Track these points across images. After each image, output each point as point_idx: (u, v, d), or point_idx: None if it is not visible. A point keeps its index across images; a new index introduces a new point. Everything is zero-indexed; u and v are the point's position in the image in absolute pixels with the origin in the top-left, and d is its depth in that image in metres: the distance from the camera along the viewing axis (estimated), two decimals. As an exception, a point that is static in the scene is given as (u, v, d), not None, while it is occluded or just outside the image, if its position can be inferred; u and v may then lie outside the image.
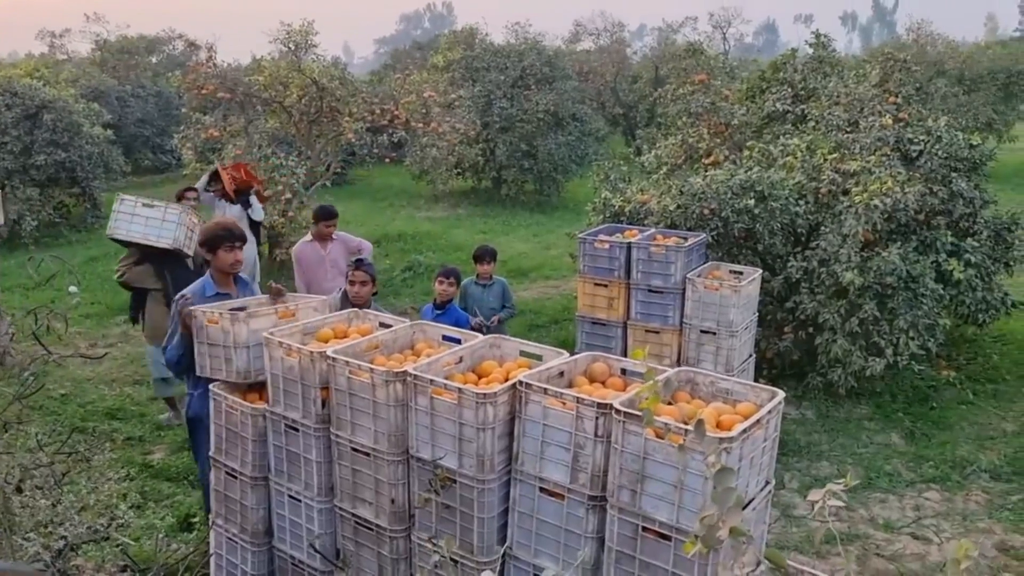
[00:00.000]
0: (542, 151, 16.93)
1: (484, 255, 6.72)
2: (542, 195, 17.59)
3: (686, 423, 2.78)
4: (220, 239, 4.47)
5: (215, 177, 8.41)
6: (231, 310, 4.08)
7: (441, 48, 20.53)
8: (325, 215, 6.67)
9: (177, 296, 4.47)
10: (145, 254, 6.45)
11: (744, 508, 2.91)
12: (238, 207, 8.37)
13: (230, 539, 4.13)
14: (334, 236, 6.72)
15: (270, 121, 12.07)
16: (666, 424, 2.76)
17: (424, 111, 12.22)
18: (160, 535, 3.54)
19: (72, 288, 10.43)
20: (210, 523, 4.23)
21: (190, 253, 6.46)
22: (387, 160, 13.54)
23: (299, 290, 6.32)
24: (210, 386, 4.06)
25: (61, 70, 21.69)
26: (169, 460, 6.02)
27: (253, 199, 8.57)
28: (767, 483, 3.08)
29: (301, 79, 11.36)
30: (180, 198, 7.67)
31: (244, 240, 4.65)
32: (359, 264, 5.10)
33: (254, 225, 8.60)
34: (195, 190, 8.04)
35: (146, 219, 6.36)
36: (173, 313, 4.47)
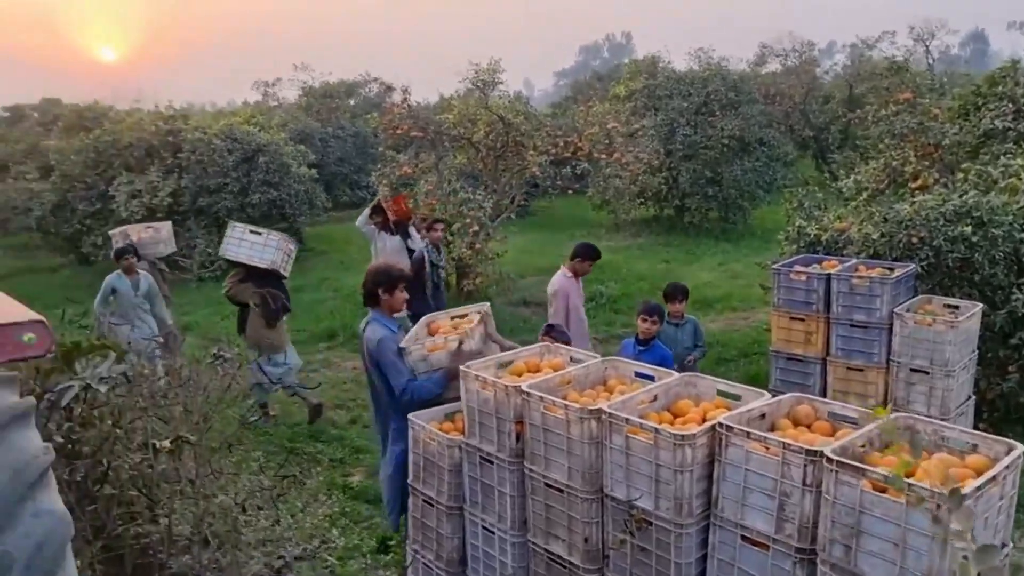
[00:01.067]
0: (727, 178, 16.49)
1: (676, 293, 6.41)
2: (727, 223, 17.10)
3: (907, 477, 2.55)
4: (398, 279, 4.76)
5: (377, 210, 8.94)
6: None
7: (623, 78, 20.56)
8: (594, 255, 6.72)
9: (379, 340, 4.63)
10: (249, 273, 7.41)
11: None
12: (398, 238, 8.89)
13: (426, 565, 4.25)
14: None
15: (458, 157, 12.55)
16: (886, 477, 2.54)
17: (607, 141, 12.25)
18: (364, 557, 3.70)
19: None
20: (407, 549, 4.38)
21: (286, 275, 7.58)
22: (569, 191, 13.68)
23: (559, 322, 6.38)
24: (409, 415, 4.21)
25: (273, 116, 23.76)
26: (367, 483, 6.31)
27: (412, 230, 9.06)
28: (1004, 545, 2.76)
29: (488, 115, 11.75)
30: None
31: (407, 279, 4.97)
32: (549, 330, 5.23)
33: (412, 254, 9.08)
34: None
35: (251, 243, 7.40)
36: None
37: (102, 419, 3.39)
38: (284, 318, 7.69)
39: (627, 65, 24.37)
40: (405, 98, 12.55)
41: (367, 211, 9.12)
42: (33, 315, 2.33)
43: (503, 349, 4.55)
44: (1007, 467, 2.63)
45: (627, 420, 3.19)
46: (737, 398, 3.46)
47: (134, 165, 15.73)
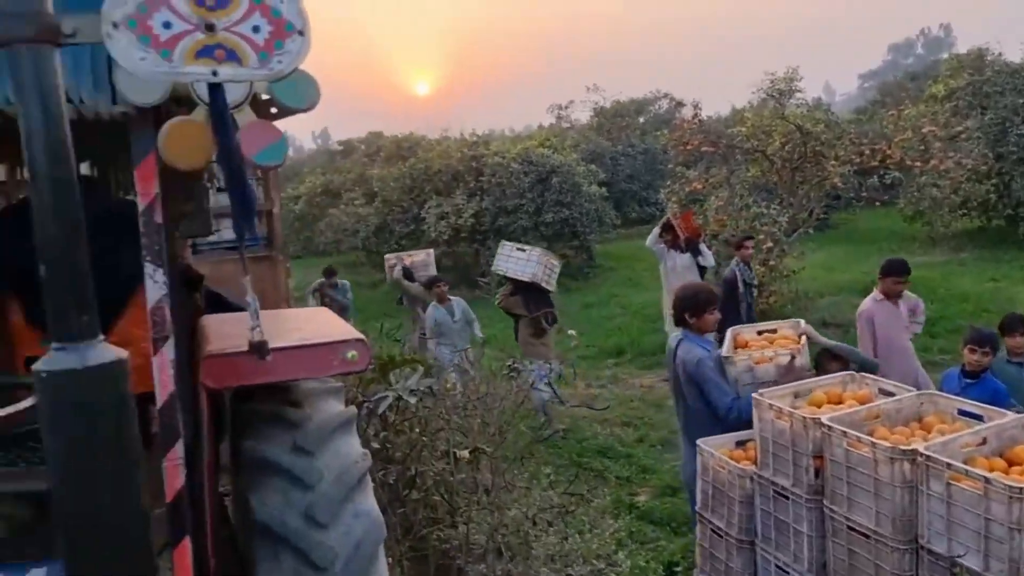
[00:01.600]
0: (1075, 182, 14.14)
1: (1016, 325, 5.17)
2: (1076, 235, 14.66)
3: None
4: (705, 303, 4.52)
5: (666, 228, 8.81)
6: None
7: (941, 76, 18.51)
8: (900, 271, 6.06)
9: (698, 361, 4.50)
10: (518, 287, 8.11)
11: None
12: (688, 255, 8.71)
13: (715, 598, 4.08)
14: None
15: (751, 170, 12.09)
16: None
17: (922, 147, 11.07)
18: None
19: (571, 332, 11.62)
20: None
21: (550, 288, 8.19)
22: (876, 203, 12.57)
23: (864, 350, 5.85)
24: (697, 442, 4.09)
25: (566, 137, 24.68)
26: (654, 503, 6.23)
27: (702, 246, 8.86)
28: None
29: (784, 126, 11.19)
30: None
31: (718, 301, 4.72)
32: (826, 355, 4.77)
33: (702, 271, 8.88)
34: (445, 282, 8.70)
35: (516, 259, 8.22)
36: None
37: (411, 428, 3.69)
38: (551, 329, 8.17)
39: (946, 61, 21.91)
40: (696, 113, 12.38)
41: (657, 229, 9.09)
42: (356, 334, 2.60)
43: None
44: None
45: (949, 465, 2.81)
46: (1092, 447, 2.91)
47: (442, 189, 17.18)
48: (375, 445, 3.34)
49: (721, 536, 3.97)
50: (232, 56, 1.09)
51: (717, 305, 4.62)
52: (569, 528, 3.59)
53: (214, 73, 1.08)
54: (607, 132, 27.15)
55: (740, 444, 4.04)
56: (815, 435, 3.32)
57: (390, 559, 2.92)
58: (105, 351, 1.09)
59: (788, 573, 3.58)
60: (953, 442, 3.00)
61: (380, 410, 3.56)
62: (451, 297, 8.28)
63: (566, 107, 31.60)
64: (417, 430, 3.75)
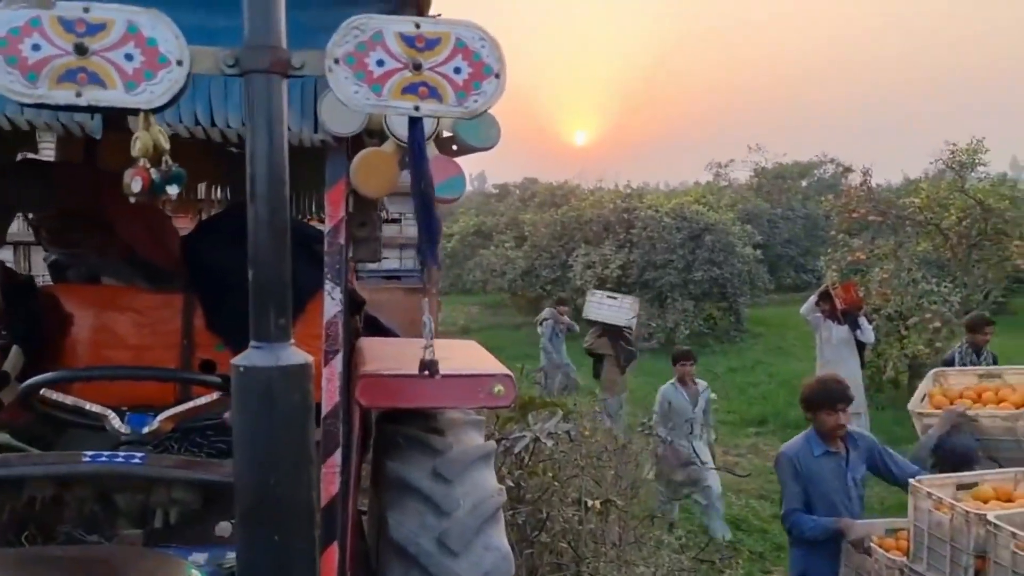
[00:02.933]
0: None
1: None
2: None
3: None
4: (818, 404, 3.99)
5: (824, 297, 8.42)
6: None
7: None
8: None
9: (779, 455, 4.25)
10: (604, 330, 8.83)
11: None
12: (845, 328, 8.23)
13: None
14: None
15: (922, 244, 11.43)
16: None
17: None
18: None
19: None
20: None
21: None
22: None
23: None
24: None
25: (723, 196, 24.23)
26: (787, 584, 5.91)
27: (862, 320, 8.35)
28: None
29: (963, 199, 10.53)
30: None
31: (847, 401, 4.06)
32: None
33: (860, 347, 8.41)
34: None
35: (609, 306, 9.10)
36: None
37: (544, 471, 3.70)
38: (630, 368, 8.91)
39: None
40: (865, 179, 11.87)
41: (814, 298, 8.73)
42: (504, 369, 2.66)
43: None
44: None
45: None
46: None
47: (592, 238, 17.27)
48: (509, 483, 3.37)
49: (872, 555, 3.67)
50: (434, 93, 1.17)
51: (839, 407, 3.97)
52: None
53: (416, 108, 1.17)
54: (766, 193, 26.43)
55: (891, 532, 3.77)
56: (978, 532, 3.07)
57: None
58: (296, 354, 1.19)
59: None
60: None
61: (516, 449, 3.59)
62: (698, 380, 7.25)
63: (725, 165, 31.07)
64: (550, 474, 3.76)
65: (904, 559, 3.47)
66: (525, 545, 3.51)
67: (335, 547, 1.76)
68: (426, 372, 1.60)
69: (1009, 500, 3.37)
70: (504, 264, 19.15)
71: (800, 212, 23.47)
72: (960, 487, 3.49)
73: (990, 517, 3.02)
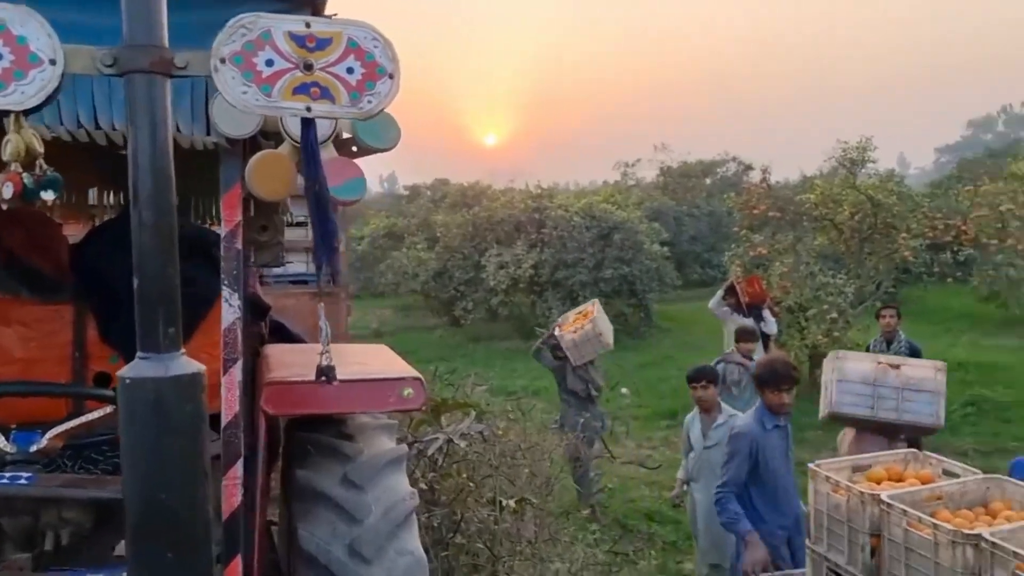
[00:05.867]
0: None
1: None
2: None
3: None
4: (764, 382, 4.31)
5: (730, 291, 8.71)
6: None
7: (1022, 154, 18.10)
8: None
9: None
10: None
11: None
12: (750, 320, 8.45)
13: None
14: None
15: (819, 238, 11.93)
16: None
17: (999, 225, 10.79)
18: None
19: (624, 390, 11.51)
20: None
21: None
22: (949, 279, 12.25)
23: None
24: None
25: (630, 195, 24.72)
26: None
27: (766, 313, 8.65)
28: None
29: (855, 196, 11.04)
30: None
31: (791, 382, 4.36)
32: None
33: (765, 338, 8.61)
34: None
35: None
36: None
37: (459, 472, 3.69)
38: None
39: (1027, 139, 21.43)
40: (764, 177, 12.31)
41: (721, 292, 9.00)
42: (413, 372, 2.64)
43: None
44: None
45: (1015, 554, 2.68)
46: None
47: (503, 238, 17.34)
48: (422, 486, 3.35)
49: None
50: (326, 94, 1.15)
51: (784, 388, 4.26)
52: (612, 588, 3.52)
53: (308, 109, 1.15)
54: (672, 192, 27.13)
55: None
56: (873, 512, 3.21)
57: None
58: (186, 363, 1.15)
59: (838, 655, 3.44)
60: (1022, 530, 2.87)
61: (430, 452, 3.57)
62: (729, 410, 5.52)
63: (632, 165, 31.75)
64: (465, 475, 3.75)
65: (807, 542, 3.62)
66: (440, 548, 3.49)
67: (238, 560, 1.72)
68: (323, 378, 1.58)
69: (900, 480, 3.55)
70: (416, 266, 19.03)
71: (705, 209, 24.17)
72: (855, 469, 3.65)
73: (883, 497, 3.17)
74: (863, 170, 11.34)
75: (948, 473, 3.57)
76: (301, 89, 1.13)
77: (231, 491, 1.68)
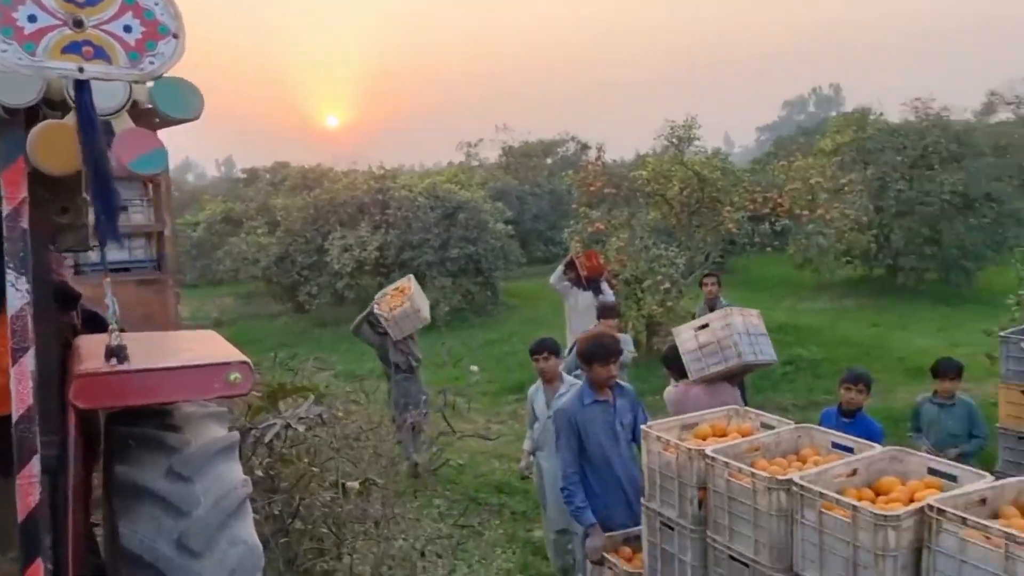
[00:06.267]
0: (948, 236, 15.18)
1: (948, 370, 5.62)
2: (948, 285, 15.68)
3: None
4: (594, 356, 4.40)
5: (570, 266, 8.96)
6: None
7: (829, 131, 19.67)
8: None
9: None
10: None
11: None
12: (590, 294, 8.78)
13: (602, 631, 4.11)
14: None
15: (652, 213, 12.48)
16: None
17: (810, 197, 11.70)
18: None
19: (473, 367, 11.63)
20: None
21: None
22: (768, 249, 13.15)
23: None
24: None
25: (474, 175, 24.90)
26: (548, 538, 6.25)
27: (604, 285, 8.95)
28: None
29: (683, 171, 11.62)
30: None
31: (618, 355, 4.55)
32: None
33: None
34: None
35: None
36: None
37: (299, 457, 3.61)
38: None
39: (834, 118, 23.31)
40: (599, 155, 12.71)
41: (560, 267, 9.23)
42: (240, 356, 2.53)
43: None
44: None
45: (821, 494, 2.93)
46: (953, 478, 3.09)
47: (347, 221, 17.01)
48: (259, 474, 3.25)
49: (613, 570, 4.02)
50: (101, 54, 1.06)
51: (612, 361, 4.41)
52: (460, 561, 3.56)
53: (80, 69, 1.06)
54: (515, 171, 27.55)
55: (630, 540, 4.21)
56: (699, 466, 3.41)
57: (270, 591, 2.83)
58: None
59: (673, 603, 3.64)
60: (826, 473, 3.14)
61: (267, 438, 3.46)
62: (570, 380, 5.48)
63: (475, 145, 31.95)
64: (306, 460, 3.67)
65: (640, 572, 3.82)
66: (282, 535, 3.40)
67: (39, 564, 1.59)
68: (114, 359, 1.48)
69: (723, 435, 3.79)
70: (256, 251, 18.33)
71: (546, 188, 24.70)
72: (684, 428, 3.86)
73: (708, 451, 3.37)
74: (690, 147, 11.93)
75: (766, 426, 3.83)
76: (71, 48, 1.04)
77: (27, 490, 1.55)
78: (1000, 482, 2.96)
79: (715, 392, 5.17)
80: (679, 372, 5.34)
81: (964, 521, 2.61)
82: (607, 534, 4.21)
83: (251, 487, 2.59)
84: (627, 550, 4.16)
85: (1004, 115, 24.27)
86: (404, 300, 7.42)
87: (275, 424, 3.53)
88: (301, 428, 3.47)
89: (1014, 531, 2.53)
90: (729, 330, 5.16)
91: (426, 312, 7.61)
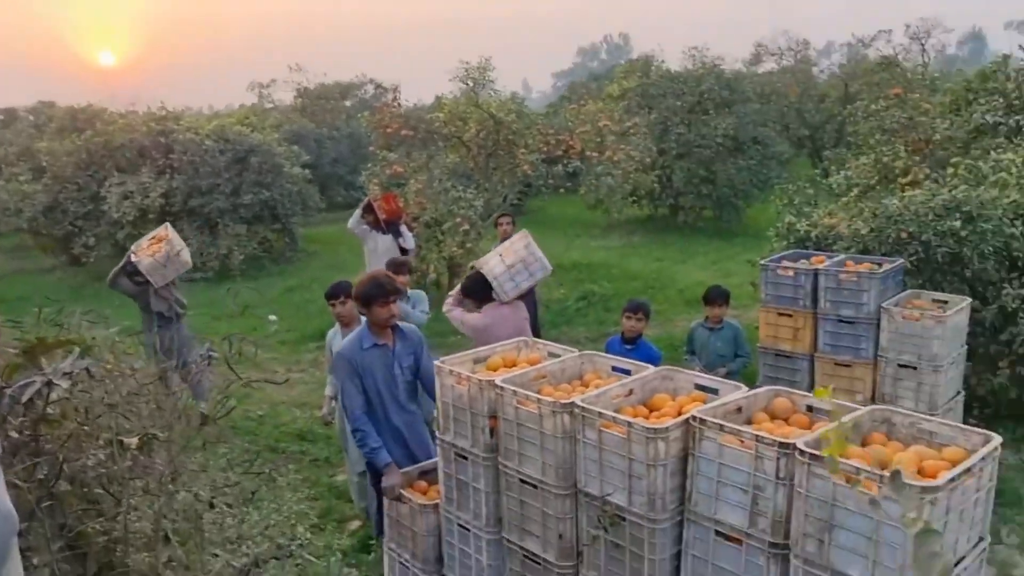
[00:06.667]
0: (721, 176, 16.45)
1: (716, 298, 6.16)
2: (721, 222, 17.07)
3: (881, 469, 2.49)
4: (373, 296, 4.39)
5: (368, 209, 8.85)
6: None
7: (616, 77, 20.52)
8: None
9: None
10: None
11: (955, 567, 2.56)
12: (389, 237, 8.74)
13: (402, 564, 4.19)
14: None
15: (450, 156, 12.50)
16: (857, 469, 2.48)
17: (599, 140, 12.20)
18: (336, 557, 3.64)
19: (271, 317, 11.23)
20: (383, 548, 4.33)
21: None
22: (562, 190, 13.63)
23: None
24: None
25: (267, 117, 23.71)
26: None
27: (403, 228, 8.94)
28: (980, 539, 2.71)
29: (479, 114, 11.70)
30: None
31: (398, 294, 4.64)
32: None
33: (404, 253, 8.92)
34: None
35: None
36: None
37: (66, 416, 3.33)
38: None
39: (621, 65, 24.35)
40: (395, 97, 12.51)
41: (358, 211, 9.04)
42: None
43: None
44: (983, 458, 2.57)
45: (600, 414, 3.13)
46: (715, 392, 3.40)
47: (125, 166, 15.68)
48: (15, 436, 2.97)
49: (406, 503, 4.09)
50: None
51: (391, 300, 4.45)
52: (249, 510, 3.47)
53: None
54: (311, 114, 26.54)
55: (425, 474, 4.32)
56: (490, 396, 3.53)
57: (36, 560, 2.63)
58: None
59: (469, 531, 3.77)
60: (605, 394, 3.35)
61: (25, 398, 3.16)
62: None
63: (267, 86, 30.37)
64: (76, 419, 3.39)
65: (436, 502, 3.91)
66: (49, 499, 3.14)
67: None
68: None
69: (514, 366, 3.93)
70: (20, 200, 16.41)
71: (345, 131, 24.05)
72: (476, 361, 3.96)
73: (497, 381, 3.49)
74: (484, 91, 12.01)
75: (552, 355, 4.02)
76: None
77: None
78: (752, 392, 3.30)
79: (517, 308, 5.64)
80: (482, 300, 5.59)
81: (721, 428, 2.89)
82: (403, 470, 4.27)
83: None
84: (423, 484, 4.25)
85: (769, 65, 26.40)
86: (163, 245, 7.04)
87: (34, 382, 3.22)
88: (65, 384, 3.19)
89: (763, 433, 2.83)
90: (530, 248, 5.75)
91: (187, 256, 7.27)
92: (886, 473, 2.38)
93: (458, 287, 5.91)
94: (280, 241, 16.55)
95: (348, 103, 28.92)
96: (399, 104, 12.33)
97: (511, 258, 5.70)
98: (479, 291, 5.56)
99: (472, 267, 6.19)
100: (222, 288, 12.95)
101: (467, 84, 11.77)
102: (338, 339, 5.41)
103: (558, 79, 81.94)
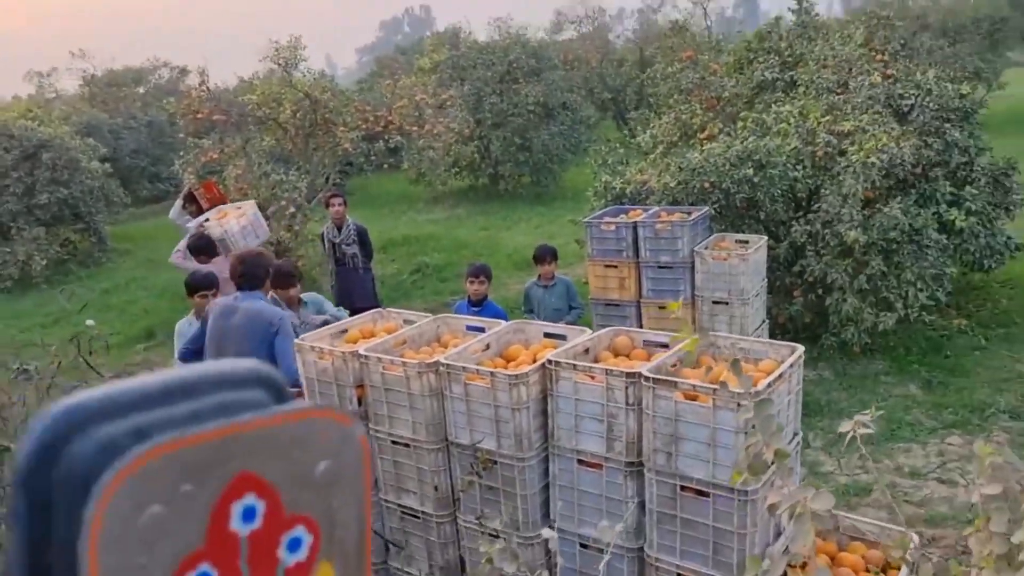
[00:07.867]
0: (536, 143, 17.04)
1: (545, 255, 6.41)
2: (540, 187, 17.70)
3: (714, 383, 2.90)
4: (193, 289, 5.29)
5: (189, 199, 8.60)
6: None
7: (426, 50, 20.61)
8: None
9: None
10: None
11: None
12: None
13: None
14: None
15: (267, 139, 12.19)
16: (694, 386, 2.88)
17: (417, 114, 12.33)
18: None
19: (89, 321, 10.55)
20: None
21: None
22: (384, 166, 13.65)
23: None
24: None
25: (52, 108, 21.82)
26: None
27: (259, 216, 8.73)
28: (795, 435, 3.21)
29: (293, 94, 11.48)
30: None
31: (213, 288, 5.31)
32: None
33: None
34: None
35: None
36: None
37: None
38: None
39: (429, 38, 24.45)
40: (203, 81, 11.98)
41: (179, 202, 8.70)
42: None
43: None
44: (791, 365, 3.05)
45: (464, 368, 3.37)
46: (563, 338, 3.73)
47: None
48: None
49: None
50: None
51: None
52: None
53: None
54: (102, 103, 24.68)
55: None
56: (355, 367, 3.67)
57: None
58: None
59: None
60: (465, 351, 3.59)
61: None
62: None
63: (48, 75, 27.91)
64: None
65: None
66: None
67: None
68: None
69: (372, 336, 4.08)
70: None
71: (143, 120, 22.58)
72: (334, 336, 4.08)
73: (361, 351, 3.64)
74: (297, 70, 11.79)
75: (408, 322, 4.21)
76: None
77: None
78: (596, 334, 3.66)
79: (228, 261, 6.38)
80: (209, 257, 6.66)
81: (575, 367, 3.22)
82: None
83: None
84: None
85: (569, 33, 27.43)
86: None
87: None
88: None
89: (611, 367, 3.19)
90: (257, 215, 7.73)
91: None
92: (717, 386, 2.79)
93: (184, 243, 7.12)
94: (85, 242, 15.44)
95: (142, 90, 27.14)
96: (207, 88, 11.81)
97: (244, 221, 7.28)
98: (205, 249, 6.69)
99: (201, 227, 7.25)
100: (27, 298, 12.01)
101: (279, 64, 11.50)
102: (190, 332, 5.33)
103: (362, 54, 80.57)
